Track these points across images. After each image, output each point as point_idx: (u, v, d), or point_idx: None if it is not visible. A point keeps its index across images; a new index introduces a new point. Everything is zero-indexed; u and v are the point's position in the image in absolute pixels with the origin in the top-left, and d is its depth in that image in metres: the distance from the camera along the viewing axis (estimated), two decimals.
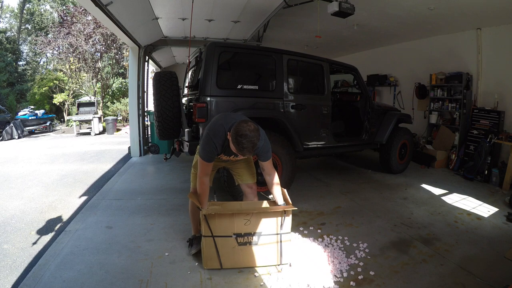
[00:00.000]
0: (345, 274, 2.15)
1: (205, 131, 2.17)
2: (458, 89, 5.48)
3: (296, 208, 2.29)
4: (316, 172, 5.09)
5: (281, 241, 2.25)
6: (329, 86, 4.01)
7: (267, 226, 2.22)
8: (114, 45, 13.73)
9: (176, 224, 2.93)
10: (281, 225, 2.23)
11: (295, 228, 2.90)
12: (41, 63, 19.06)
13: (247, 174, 2.48)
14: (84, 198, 3.95)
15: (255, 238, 2.21)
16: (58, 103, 14.89)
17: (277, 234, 2.23)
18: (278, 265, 2.25)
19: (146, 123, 6.67)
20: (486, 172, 4.60)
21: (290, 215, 2.26)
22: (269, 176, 2.29)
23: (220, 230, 2.17)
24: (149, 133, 6.76)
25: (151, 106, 5.72)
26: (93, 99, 13.60)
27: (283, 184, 3.50)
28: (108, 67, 15.53)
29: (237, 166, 2.47)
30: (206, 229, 2.15)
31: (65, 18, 13.77)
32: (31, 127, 11.55)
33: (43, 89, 15.22)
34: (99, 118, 11.81)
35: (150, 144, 6.55)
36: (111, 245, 2.53)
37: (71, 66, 14.26)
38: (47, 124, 12.40)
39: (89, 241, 2.59)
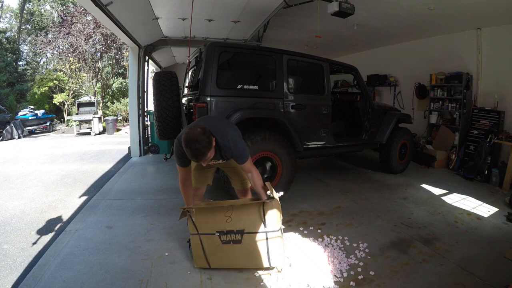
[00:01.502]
0: (345, 274, 2.15)
1: None
2: (458, 89, 5.48)
3: (277, 198, 2.13)
4: (316, 172, 5.09)
5: (267, 241, 2.11)
6: (329, 86, 4.01)
7: (249, 223, 2.11)
8: (114, 45, 13.73)
9: (176, 224, 2.93)
10: (264, 221, 2.10)
11: (295, 228, 2.91)
12: (41, 63, 19.09)
13: (237, 179, 2.44)
14: (84, 198, 3.95)
15: (238, 236, 2.11)
16: (58, 103, 14.88)
17: (262, 232, 2.11)
18: (267, 268, 2.16)
19: (146, 123, 6.68)
20: (486, 172, 4.60)
21: (274, 210, 2.10)
22: (250, 173, 2.22)
23: (204, 227, 2.13)
24: (149, 133, 6.76)
25: (151, 106, 5.73)
26: (93, 99, 13.60)
27: (283, 184, 3.52)
28: (108, 67, 15.53)
29: (227, 170, 2.44)
30: (192, 226, 2.14)
31: (65, 18, 13.77)
32: (31, 127, 11.54)
33: (43, 89, 15.21)
34: (99, 118, 11.81)
35: (150, 144, 6.56)
36: (111, 245, 2.53)
37: (71, 66, 14.26)
38: (47, 124, 12.40)
39: (89, 241, 2.60)
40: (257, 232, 2.11)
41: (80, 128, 11.79)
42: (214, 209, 2.15)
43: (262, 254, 2.12)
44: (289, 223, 3.02)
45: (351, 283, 2.05)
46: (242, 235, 2.11)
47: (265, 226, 2.11)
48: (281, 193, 2.26)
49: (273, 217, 2.10)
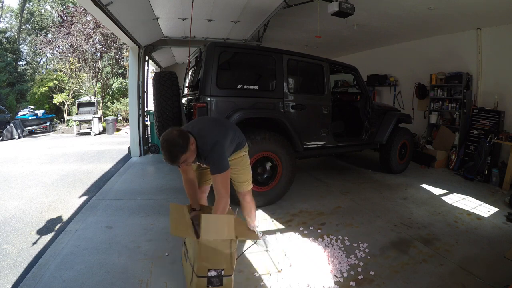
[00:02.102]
0: (345, 274, 2.15)
1: None
2: (458, 89, 5.48)
3: (197, 240, 1.70)
4: (316, 172, 5.09)
5: (192, 282, 1.78)
6: (329, 86, 4.01)
7: (190, 251, 1.85)
8: (114, 45, 13.73)
9: None
10: (190, 259, 1.81)
11: (295, 228, 2.91)
12: (41, 63, 19.08)
13: (235, 181, 2.36)
14: (84, 198, 3.95)
15: (185, 256, 1.96)
16: (58, 103, 14.87)
17: (191, 269, 1.81)
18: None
19: (146, 123, 6.68)
20: (486, 172, 4.60)
21: (198, 254, 1.69)
22: (217, 195, 1.92)
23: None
24: (149, 133, 6.76)
25: (151, 106, 5.73)
26: (93, 99, 13.59)
27: (283, 184, 3.51)
28: (108, 67, 15.53)
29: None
30: None
31: (65, 18, 13.77)
32: (31, 127, 11.53)
33: (43, 89, 15.20)
34: (99, 118, 11.81)
35: (150, 144, 6.56)
36: (111, 245, 2.53)
37: (71, 66, 14.25)
38: (47, 124, 12.38)
39: (89, 241, 2.59)
40: (191, 265, 1.83)
41: (80, 128, 11.79)
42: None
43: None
44: (289, 223, 3.02)
45: (351, 283, 2.05)
46: (187, 258, 1.92)
47: (191, 264, 1.81)
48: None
49: (196, 261, 1.72)
